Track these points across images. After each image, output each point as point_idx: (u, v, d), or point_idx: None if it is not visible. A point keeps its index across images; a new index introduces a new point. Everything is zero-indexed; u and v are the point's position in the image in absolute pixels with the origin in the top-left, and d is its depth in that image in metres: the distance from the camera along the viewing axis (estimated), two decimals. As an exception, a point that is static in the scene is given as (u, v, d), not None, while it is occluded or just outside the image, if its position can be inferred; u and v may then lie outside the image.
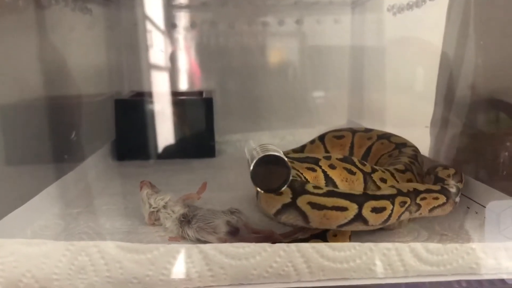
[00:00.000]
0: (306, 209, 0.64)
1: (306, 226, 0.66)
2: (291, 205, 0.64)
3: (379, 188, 0.80)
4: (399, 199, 0.69)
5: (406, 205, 0.70)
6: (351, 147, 1.04)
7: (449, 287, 0.60)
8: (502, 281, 0.62)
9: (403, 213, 0.70)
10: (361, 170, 0.80)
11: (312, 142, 1.09)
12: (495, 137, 0.86)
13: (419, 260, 0.60)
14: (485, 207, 0.77)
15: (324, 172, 0.78)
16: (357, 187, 0.79)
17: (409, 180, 0.84)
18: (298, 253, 0.59)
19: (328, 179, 0.78)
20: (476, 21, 0.93)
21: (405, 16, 1.21)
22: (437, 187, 0.75)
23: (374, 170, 0.82)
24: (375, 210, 0.66)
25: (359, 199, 0.65)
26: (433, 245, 0.61)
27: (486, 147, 0.88)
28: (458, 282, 0.61)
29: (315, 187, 0.66)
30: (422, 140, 1.13)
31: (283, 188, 0.63)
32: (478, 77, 0.93)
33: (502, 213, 0.63)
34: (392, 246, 0.60)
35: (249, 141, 0.70)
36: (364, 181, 0.79)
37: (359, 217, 0.65)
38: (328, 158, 0.80)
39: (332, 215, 0.64)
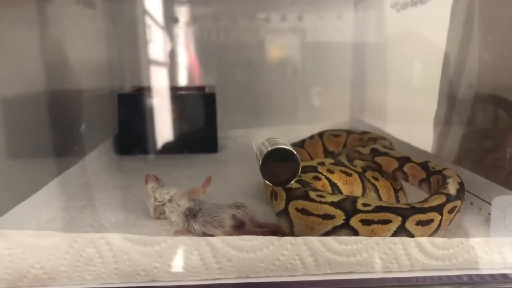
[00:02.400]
0: (358, 226, 0.64)
1: None
2: (344, 226, 0.63)
3: (375, 186, 0.80)
4: (448, 206, 0.68)
5: (457, 209, 0.69)
6: (344, 146, 1.09)
7: (454, 281, 0.61)
8: (505, 275, 0.62)
9: (454, 216, 0.70)
10: (354, 171, 0.81)
11: (312, 137, 1.13)
12: (499, 133, 0.87)
13: (425, 254, 0.61)
14: (488, 203, 0.77)
15: (327, 178, 0.78)
16: (356, 188, 0.79)
17: (394, 178, 0.85)
18: (305, 247, 0.60)
19: (333, 185, 0.77)
20: (480, 19, 0.93)
21: (409, 13, 1.21)
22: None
23: (364, 170, 0.83)
24: (421, 223, 0.66)
25: (403, 212, 0.65)
26: (439, 240, 0.61)
27: (490, 144, 0.88)
28: (463, 276, 0.61)
29: (365, 204, 0.64)
30: (424, 137, 1.14)
31: (292, 182, 0.63)
32: (481, 75, 0.94)
33: (507, 209, 0.64)
34: (399, 240, 0.61)
35: (256, 136, 0.70)
36: (361, 180, 0.80)
37: (402, 230, 0.65)
38: (322, 164, 0.80)
39: (378, 229, 0.64)
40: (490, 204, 0.77)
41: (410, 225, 0.65)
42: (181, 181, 1.00)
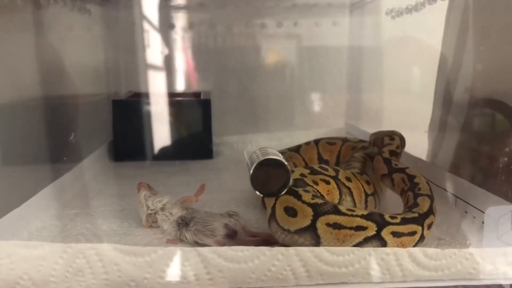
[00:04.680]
0: (389, 238, 0.64)
1: None
2: (375, 237, 0.63)
3: (349, 188, 0.80)
4: (434, 206, 0.72)
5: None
6: (338, 155, 1.09)
7: (447, 292, 0.61)
8: (500, 286, 0.62)
9: None
10: (330, 176, 0.80)
11: (308, 143, 1.12)
12: (494, 142, 0.86)
13: (417, 265, 0.61)
14: (483, 212, 0.77)
15: (317, 191, 0.76)
16: (335, 195, 0.78)
17: (367, 182, 0.85)
18: (297, 257, 0.59)
19: (321, 197, 0.76)
20: (475, 25, 0.93)
21: (404, 20, 1.21)
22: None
23: (337, 172, 0.82)
24: (429, 226, 0.69)
25: (420, 220, 0.67)
26: (431, 250, 0.61)
27: (484, 152, 0.88)
28: (456, 287, 0.61)
29: (391, 216, 0.66)
30: (420, 144, 1.14)
31: (283, 192, 0.63)
32: (476, 81, 0.93)
33: (501, 219, 0.63)
34: (391, 251, 0.60)
35: (249, 145, 0.69)
36: (337, 186, 0.79)
37: (422, 238, 0.67)
38: (304, 175, 0.77)
39: (406, 240, 0.65)
40: (484, 213, 0.77)
41: (425, 231, 0.67)
42: (176, 188, 1.00)
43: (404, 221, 0.66)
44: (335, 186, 0.78)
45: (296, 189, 0.67)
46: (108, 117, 1.31)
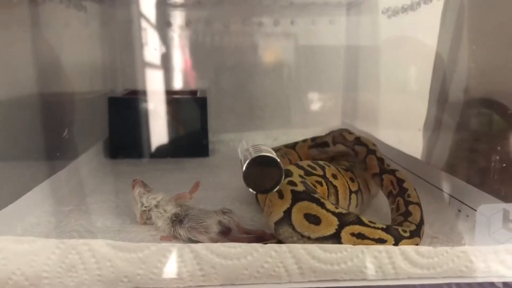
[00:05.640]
0: None
1: None
2: None
3: (335, 187, 0.80)
4: (422, 213, 0.75)
5: None
6: None
7: (439, 290, 0.61)
8: (492, 284, 0.62)
9: None
10: (319, 176, 0.79)
11: (305, 141, 1.11)
12: (488, 141, 0.87)
13: (410, 262, 0.61)
14: (476, 210, 0.77)
15: None
16: (325, 196, 0.78)
17: (351, 178, 0.85)
18: (290, 254, 0.59)
19: None
20: (470, 25, 0.94)
21: (400, 19, 1.21)
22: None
23: (323, 169, 0.81)
24: (422, 235, 0.71)
25: (417, 232, 0.69)
26: (423, 248, 0.61)
27: (479, 151, 0.88)
28: (448, 285, 0.61)
29: (403, 230, 0.67)
30: (415, 142, 1.14)
31: (275, 189, 0.63)
32: (471, 80, 0.94)
33: (492, 217, 0.64)
34: (383, 248, 0.60)
35: (242, 142, 0.69)
36: (327, 186, 0.78)
37: None
38: (302, 176, 0.76)
39: None
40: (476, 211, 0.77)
41: (421, 240, 0.70)
42: (171, 186, 1.00)
43: (412, 235, 0.68)
44: (325, 186, 0.78)
45: (317, 196, 0.67)
46: (104, 115, 1.31)
